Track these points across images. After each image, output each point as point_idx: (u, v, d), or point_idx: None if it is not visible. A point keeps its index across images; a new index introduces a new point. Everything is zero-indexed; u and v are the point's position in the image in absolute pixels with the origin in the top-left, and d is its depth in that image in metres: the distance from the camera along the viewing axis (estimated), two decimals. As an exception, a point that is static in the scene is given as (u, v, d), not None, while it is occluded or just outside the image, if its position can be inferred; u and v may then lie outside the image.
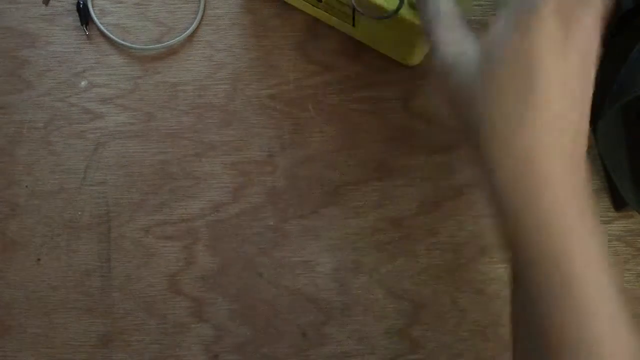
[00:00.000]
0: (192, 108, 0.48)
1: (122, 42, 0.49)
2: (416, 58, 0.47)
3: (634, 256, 0.45)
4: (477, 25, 0.45)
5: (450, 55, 0.33)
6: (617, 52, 0.39)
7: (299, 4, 0.48)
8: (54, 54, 0.50)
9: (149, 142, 0.48)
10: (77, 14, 0.50)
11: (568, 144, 0.32)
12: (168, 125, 0.48)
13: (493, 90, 0.31)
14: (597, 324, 0.30)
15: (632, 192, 0.41)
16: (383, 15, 0.39)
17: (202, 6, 0.50)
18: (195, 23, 0.50)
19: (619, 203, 0.45)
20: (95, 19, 0.50)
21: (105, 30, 0.50)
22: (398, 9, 0.39)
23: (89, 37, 0.50)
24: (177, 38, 0.49)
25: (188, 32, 0.50)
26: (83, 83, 0.49)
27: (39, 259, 0.45)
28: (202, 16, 0.50)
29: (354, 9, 0.42)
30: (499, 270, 0.45)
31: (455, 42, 0.34)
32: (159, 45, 0.49)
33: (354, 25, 0.46)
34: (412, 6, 0.39)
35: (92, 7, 0.50)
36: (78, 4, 0.50)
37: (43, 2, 0.51)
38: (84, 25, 0.50)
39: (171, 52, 0.50)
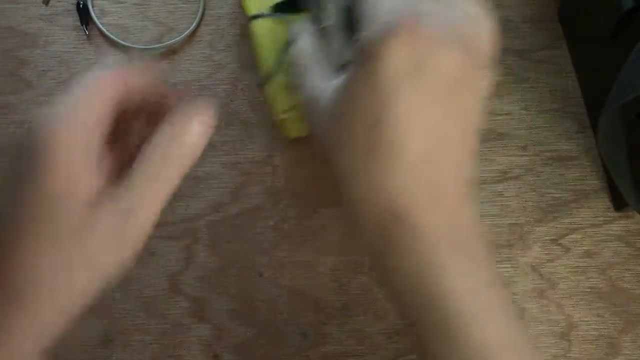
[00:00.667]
0: (192, 108, 0.48)
1: (122, 42, 0.49)
2: None
3: (634, 256, 0.45)
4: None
5: (309, 100, 0.30)
6: (617, 52, 0.39)
7: None
8: (54, 54, 0.50)
9: (149, 142, 0.48)
10: (77, 14, 0.50)
11: (442, 187, 0.27)
12: (168, 125, 0.48)
13: (344, 136, 0.27)
14: None
15: (632, 192, 0.41)
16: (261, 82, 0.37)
17: (202, 6, 0.50)
18: (195, 23, 0.50)
19: (619, 203, 0.46)
20: (95, 19, 0.50)
21: (105, 30, 0.50)
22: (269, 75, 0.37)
23: (89, 37, 0.50)
24: (177, 38, 0.49)
25: (188, 32, 0.50)
26: (83, 83, 0.49)
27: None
28: (202, 16, 0.50)
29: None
30: (499, 270, 0.45)
31: (313, 86, 0.30)
32: (159, 45, 0.49)
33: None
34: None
35: (92, 7, 0.50)
36: (78, 4, 0.50)
37: (43, 2, 0.51)
38: (84, 25, 0.50)
39: (171, 52, 0.50)
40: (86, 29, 0.50)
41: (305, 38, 0.33)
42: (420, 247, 0.27)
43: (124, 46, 0.49)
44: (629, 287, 0.45)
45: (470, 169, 0.28)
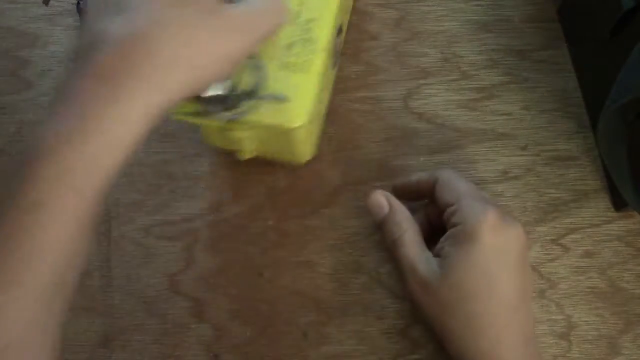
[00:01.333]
0: (192, 108, 0.48)
1: (122, 42, 0.49)
2: (304, 155, 0.45)
3: (634, 256, 0.45)
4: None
5: (409, 267, 0.40)
6: (617, 52, 0.39)
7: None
8: (54, 54, 0.50)
9: (149, 142, 0.47)
10: (77, 14, 0.50)
11: (523, 335, 0.38)
12: (168, 125, 0.48)
13: (454, 303, 0.38)
14: None
15: (632, 192, 0.41)
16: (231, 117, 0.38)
17: (202, 6, 0.50)
18: (195, 23, 0.50)
19: (619, 203, 0.45)
20: (95, 19, 0.50)
21: (105, 30, 0.50)
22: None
23: (89, 37, 0.50)
24: (177, 38, 0.49)
25: (188, 32, 0.49)
26: (83, 83, 0.49)
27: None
28: (202, 16, 0.50)
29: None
30: (499, 270, 0.45)
31: (411, 256, 0.40)
32: (159, 45, 0.49)
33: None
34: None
35: (92, 7, 0.50)
36: (78, 4, 0.50)
37: (43, 2, 0.51)
38: (84, 25, 0.50)
39: (171, 52, 0.50)
40: (86, 29, 0.50)
41: (410, 229, 0.41)
42: None
43: (124, 46, 0.49)
44: (629, 287, 0.45)
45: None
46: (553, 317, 0.44)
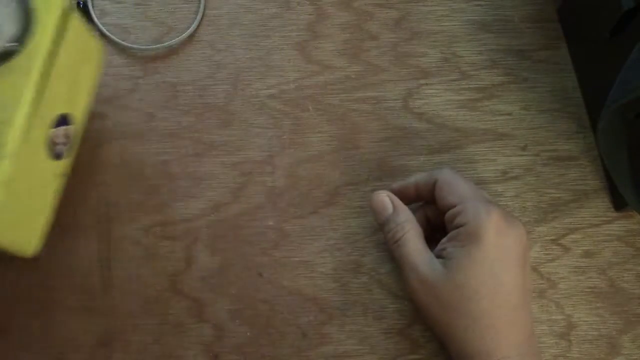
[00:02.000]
0: (192, 108, 0.48)
1: (122, 42, 0.49)
2: (27, 248, 0.41)
3: (634, 256, 0.45)
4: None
5: (409, 264, 0.40)
6: (617, 52, 0.39)
7: None
8: (54, 54, 0.50)
9: (149, 142, 0.48)
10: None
11: (524, 327, 0.39)
12: (168, 125, 0.48)
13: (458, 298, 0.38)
14: None
15: (632, 192, 0.41)
16: None
17: (202, 6, 0.50)
18: (195, 23, 0.50)
19: (619, 203, 0.45)
20: (95, 19, 0.50)
21: (105, 30, 0.50)
22: None
23: (89, 37, 0.50)
24: (177, 38, 0.49)
25: (188, 32, 0.50)
26: (83, 83, 0.49)
27: (39, 259, 0.45)
28: (202, 16, 0.50)
29: None
30: (499, 270, 0.45)
31: (412, 253, 0.40)
32: (159, 45, 0.49)
33: None
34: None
35: (92, 7, 0.50)
36: (78, 4, 0.50)
37: (43, 2, 0.51)
38: (84, 25, 0.50)
39: (171, 52, 0.50)
40: (86, 29, 0.50)
41: (411, 229, 0.41)
42: None
43: (123, 46, 0.49)
44: (629, 287, 0.45)
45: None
46: (553, 317, 0.44)
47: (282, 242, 0.46)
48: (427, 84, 0.49)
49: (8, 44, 0.36)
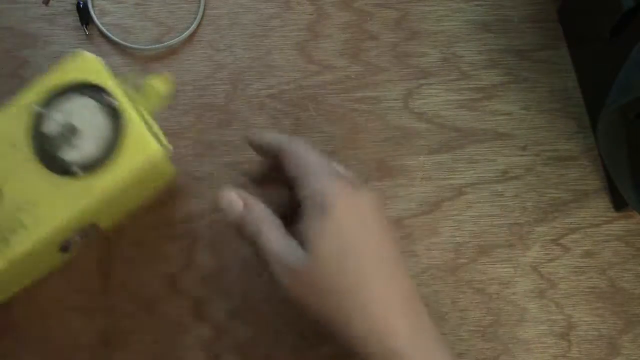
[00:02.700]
0: (192, 108, 0.48)
1: (122, 42, 0.49)
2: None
3: (634, 256, 0.45)
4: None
5: (274, 255, 0.36)
6: (617, 52, 0.39)
7: None
8: (54, 54, 0.50)
9: (149, 142, 0.48)
10: (77, 14, 0.50)
11: (406, 292, 0.36)
12: (168, 125, 0.48)
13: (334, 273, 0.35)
14: None
15: (632, 192, 0.41)
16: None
17: (202, 6, 0.50)
18: (195, 23, 0.50)
19: (619, 203, 0.46)
20: (95, 19, 0.50)
21: (105, 30, 0.50)
22: None
23: (89, 37, 0.50)
24: (177, 38, 0.49)
25: (188, 32, 0.50)
26: (83, 83, 0.49)
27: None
28: (202, 16, 0.50)
29: None
30: (499, 270, 0.45)
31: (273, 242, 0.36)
32: (159, 45, 0.49)
33: None
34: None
35: (92, 7, 0.50)
36: (78, 4, 0.50)
37: (43, 2, 0.51)
38: (84, 25, 0.50)
39: (171, 52, 0.50)
40: (86, 29, 0.50)
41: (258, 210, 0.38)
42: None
43: (124, 46, 0.49)
44: (629, 287, 0.45)
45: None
46: (553, 317, 0.44)
47: (282, 242, 0.45)
48: (427, 84, 0.49)
49: (83, 161, 0.38)
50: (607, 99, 0.38)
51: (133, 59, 0.50)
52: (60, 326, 0.44)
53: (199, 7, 0.50)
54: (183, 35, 0.49)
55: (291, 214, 0.38)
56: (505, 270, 0.45)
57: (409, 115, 0.48)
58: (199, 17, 0.50)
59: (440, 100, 0.49)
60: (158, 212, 0.46)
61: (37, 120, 0.39)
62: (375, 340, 0.34)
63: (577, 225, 0.46)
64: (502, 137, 0.48)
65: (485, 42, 0.50)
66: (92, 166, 0.38)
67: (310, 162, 0.37)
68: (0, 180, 0.38)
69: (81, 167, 0.38)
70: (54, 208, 0.38)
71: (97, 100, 0.39)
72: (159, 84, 0.41)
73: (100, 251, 0.45)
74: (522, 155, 0.47)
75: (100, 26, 0.50)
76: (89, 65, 0.40)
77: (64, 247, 0.41)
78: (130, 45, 0.49)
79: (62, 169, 0.38)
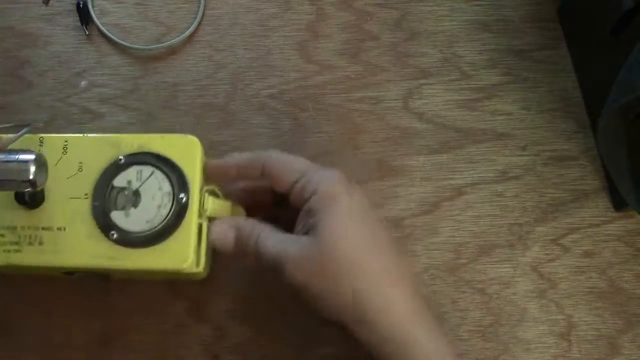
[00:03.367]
0: (192, 108, 0.48)
1: (122, 42, 0.49)
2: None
3: (634, 256, 0.45)
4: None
5: (276, 254, 0.37)
6: (617, 52, 0.39)
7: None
8: (54, 54, 0.50)
9: (149, 142, 0.48)
10: (77, 14, 0.50)
11: (400, 275, 0.37)
12: (168, 125, 0.48)
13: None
14: None
15: (632, 192, 0.41)
16: None
17: (202, 6, 0.50)
18: (195, 23, 0.50)
19: (619, 203, 0.45)
20: (95, 19, 0.50)
21: (105, 30, 0.50)
22: None
23: (89, 37, 0.50)
24: (177, 38, 0.49)
25: (188, 32, 0.50)
26: (83, 83, 0.49)
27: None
28: (202, 16, 0.50)
29: None
30: (499, 270, 0.45)
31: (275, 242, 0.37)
32: (159, 45, 0.49)
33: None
34: None
35: (92, 7, 0.50)
36: (78, 4, 0.50)
37: (43, 2, 0.51)
38: (84, 25, 0.50)
39: (171, 52, 0.50)
40: (86, 29, 0.50)
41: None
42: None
43: (124, 46, 0.49)
44: (629, 287, 0.45)
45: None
46: (553, 317, 0.44)
47: (282, 242, 0.45)
48: (427, 84, 0.49)
49: (123, 231, 0.38)
50: (607, 99, 0.38)
51: (133, 59, 0.50)
52: (60, 326, 0.44)
53: (199, 7, 0.50)
54: (183, 35, 0.49)
55: (285, 228, 0.39)
56: (505, 270, 0.45)
57: (409, 115, 0.48)
58: (199, 17, 0.50)
59: (440, 100, 0.49)
60: (158, 212, 0.46)
61: (115, 168, 0.39)
62: (394, 347, 0.35)
63: (577, 225, 0.46)
64: (502, 137, 0.48)
65: (485, 42, 0.50)
66: (127, 241, 0.38)
67: (300, 164, 0.39)
68: (51, 185, 0.38)
69: (119, 236, 0.38)
70: (75, 249, 0.38)
71: (173, 187, 0.39)
72: (237, 213, 0.40)
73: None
74: (522, 155, 0.47)
75: (100, 26, 0.50)
76: (189, 150, 0.39)
77: (69, 273, 0.41)
78: (130, 45, 0.49)
79: (103, 223, 0.38)
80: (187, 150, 0.39)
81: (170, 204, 0.38)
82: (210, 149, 0.47)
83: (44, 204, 0.39)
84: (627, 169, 0.41)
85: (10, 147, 0.37)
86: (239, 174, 0.40)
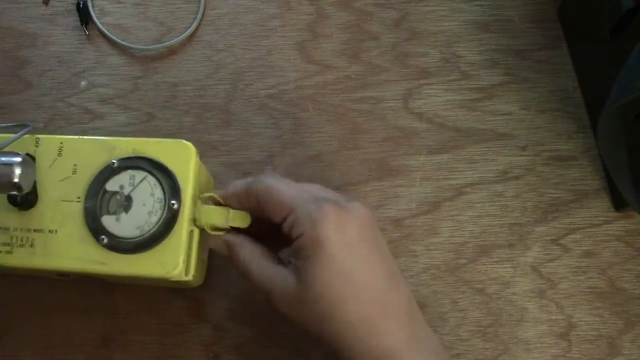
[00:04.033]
0: (192, 108, 0.48)
1: (122, 42, 0.49)
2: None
3: (634, 256, 0.45)
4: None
5: (266, 282, 0.37)
6: (617, 52, 0.39)
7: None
8: (54, 54, 0.50)
9: (149, 142, 0.48)
10: (77, 14, 0.50)
11: (404, 313, 0.37)
12: (168, 125, 0.48)
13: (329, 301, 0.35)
14: None
15: (632, 192, 0.41)
16: None
17: (202, 6, 0.50)
18: (195, 23, 0.50)
19: (619, 203, 0.45)
20: (95, 19, 0.50)
21: (105, 30, 0.50)
22: None
23: (89, 37, 0.50)
24: (177, 38, 0.49)
25: (188, 32, 0.50)
26: (83, 83, 0.49)
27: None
28: (202, 16, 0.50)
29: None
30: (499, 270, 0.45)
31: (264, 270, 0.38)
32: (159, 45, 0.49)
33: None
34: None
35: (92, 7, 0.50)
36: (78, 4, 0.50)
37: (43, 2, 0.51)
38: (84, 25, 0.50)
39: (171, 52, 0.50)
40: (86, 29, 0.50)
41: (246, 246, 0.39)
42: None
43: (124, 46, 0.49)
44: (629, 287, 0.45)
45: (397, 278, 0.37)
46: (553, 317, 0.44)
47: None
48: (427, 84, 0.49)
49: (113, 236, 0.38)
50: (607, 99, 0.38)
51: (133, 59, 0.50)
52: (60, 326, 0.44)
53: (199, 7, 0.50)
54: (183, 35, 0.49)
55: (282, 241, 0.38)
56: (505, 270, 0.45)
57: (409, 115, 0.48)
58: (199, 17, 0.50)
59: (440, 100, 0.49)
60: (158, 212, 0.46)
61: (108, 172, 0.38)
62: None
63: (577, 225, 0.46)
64: (502, 137, 0.48)
65: (485, 42, 0.50)
66: (116, 247, 0.37)
67: (288, 197, 0.37)
68: (44, 187, 0.38)
69: (109, 241, 0.37)
70: (65, 253, 0.38)
71: (165, 193, 0.38)
72: (238, 219, 0.40)
73: (100, 251, 0.45)
74: (522, 155, 0.47)
75: (100, 26, 0.50)
76: (183, 156, 0.39)
77: (63, 275, 0.41)
78: (130, 45, 0.49)
79: (94, 227, 0.38)
80: (181, 156, 0.39)
81: (162, 210, 0.37)
82: (210, 149, 0.47)
83: (37, 206, 0.38)
84: (627, 169, 0.41)
85: (9, 148, 0.37)
86: (240, 203, 0.40)
